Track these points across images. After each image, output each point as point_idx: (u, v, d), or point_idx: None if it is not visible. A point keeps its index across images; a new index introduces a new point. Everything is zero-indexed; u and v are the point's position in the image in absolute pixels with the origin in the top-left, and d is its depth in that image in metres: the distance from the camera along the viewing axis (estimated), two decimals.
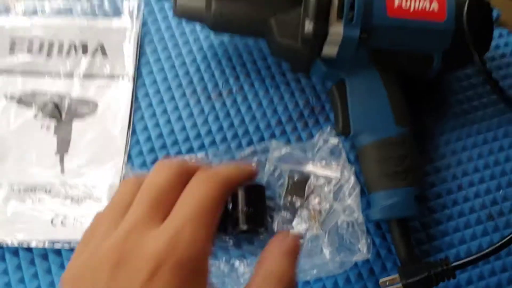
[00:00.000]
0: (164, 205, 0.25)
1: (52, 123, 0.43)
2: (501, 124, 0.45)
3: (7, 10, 0.46)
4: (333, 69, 0.41)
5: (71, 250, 0.39)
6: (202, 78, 0.45)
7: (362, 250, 0.38)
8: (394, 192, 0.39)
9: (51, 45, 0.45)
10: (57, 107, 0.43)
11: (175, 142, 0.43)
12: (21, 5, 0.46)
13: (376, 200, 0.40)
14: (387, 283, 0.38)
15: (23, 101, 0.43)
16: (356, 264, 0.40)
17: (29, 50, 0.44)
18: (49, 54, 0.44)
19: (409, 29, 0.39)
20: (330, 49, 0.39)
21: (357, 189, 0.40)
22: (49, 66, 0.44)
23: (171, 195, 0.26)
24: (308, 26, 0.38)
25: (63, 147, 0.42)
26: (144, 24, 0.47)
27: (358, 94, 0.41)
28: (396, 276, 0.38)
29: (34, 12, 0.46)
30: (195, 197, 0.25)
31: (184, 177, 0.27)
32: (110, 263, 0.23)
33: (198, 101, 0.44)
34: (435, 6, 0.39)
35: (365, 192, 0.41)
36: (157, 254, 0.23)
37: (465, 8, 0.39)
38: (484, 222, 0.42)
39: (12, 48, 0.44)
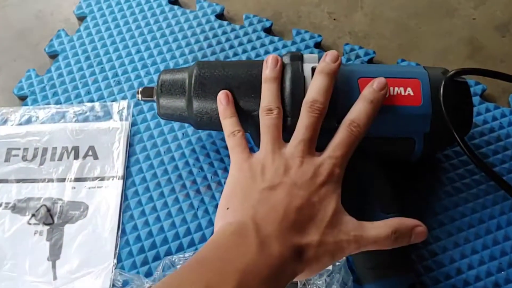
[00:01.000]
0: None
1: (45, 228, 0.45)
2: (496, 201, 0.45)
3: (4, 121, 0.50)
4: None
5: None
6: (191, 172, 0.47)
7: None
8: (385, 283, 0.39)
9: (44, 151, 0.48)
10: (49, 212, 0.45)
11: (165, 241, 0.44)
12: (18, 115, 0.50)
13: None
14: None
15: (17, 207, 0.45)
16: None
17: (24, 158, 0.48)
18: (42, 160, 0.47)
19: (385, 116, 0.41)
20: None
21: (350, 281, 0.40)
22: (43, 172, 0.47)
23: None
24: (289, 121, 0.40)
25: (55, 252, 0.44)
26: (133, 123, 0.50)
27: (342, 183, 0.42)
28: None
29: (29, 121, 0.49)
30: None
31: None
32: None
33: (188, 196, 0.46)
34: (410, 90, 0.42)
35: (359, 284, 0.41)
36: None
37: (441, 91, 0.41)
38: None
39: (7, 157, 0.48)
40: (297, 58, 0.42)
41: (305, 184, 0.35)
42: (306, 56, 0.42)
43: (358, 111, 0.39)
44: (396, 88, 0.42)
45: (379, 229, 0.35)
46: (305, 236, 0.33)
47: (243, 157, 0.38)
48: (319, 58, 0.41)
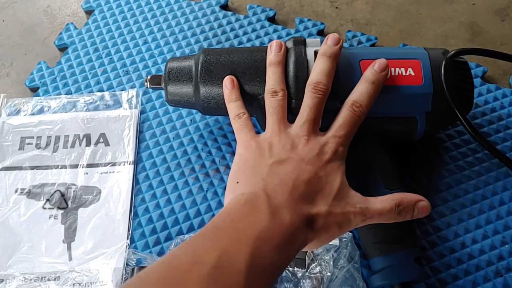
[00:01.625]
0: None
1: (60, 212, 0.47)
2: (499, 178, 0.47)
3: (17, 111, 0.52)
4: None
5: None
6: (199, 156, 0.49)
7: None
8: (391, 257, 0.40)
9: (57, 139, 0.50)
10: (63, 197, 0.48)
11: (176, 222, 0.46)
12: (30, 105, 0.52)
13: (375, 266, 0.41)
14: None
15: (32, 193, 0.48)
16: None
17: (37, 146, 0.50)
18: (55, 147, 0.50)
19: (387, 96, 0.43)
20: None
21: (356, 256, 0.42)
22: (56, 159, 0.49)
23: None
24: (293, 103, 0.42)
25: (70, 235, 0.46)
26: (142, 111, 0.52)
27: (346, 161, 0.44)
28: None
29: (41, 111, 0.52)
30: None
31: None
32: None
33: (197, 179, 0.48)
34: (411, 71, 0.44)
35: (366, 259, 0.43)
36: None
37: (442, 71, 0.43)
38: (492, 279, 0.43)
39: (21, 145, 0.50)
40: (300, 42, 0.44)
41: (312, 160, 0.37)
42: (309, 40, 0.45)
43: (360, 91, 0.41)
44: (397, 69, 0.44)
45: (383, 202, 0.37)
46: (314, 206, 0.35)
47: (250, 135, 0.40)
48: (321, 42, 0.44)
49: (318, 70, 0.41)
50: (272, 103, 0.41)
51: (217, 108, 0.46)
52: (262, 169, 0.37)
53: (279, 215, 0.34)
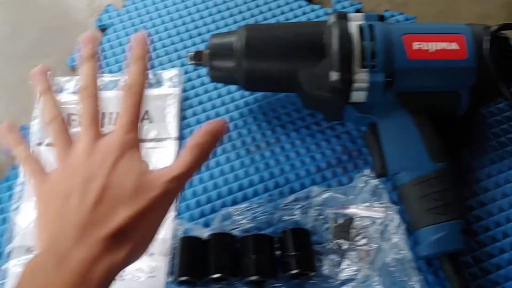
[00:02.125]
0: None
1: None
2: None
3: (60, 90, 0.53)
4: (364, 114, 0.45)
5: None
6: (240, 134, 0.50)
7: (414, 286, 0.40)
8: (438, 227, 0.41)
9: (102, 116, 0.51)
10: None
11: (220, 196, 0.47)
12: (72, 84, 0.54)
13: (422, 237, 0.42)
14: None
15: None
16: None
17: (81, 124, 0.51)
18: (101, 124, 0.51)
19: (431, 69, 0.44)
20: (358, 96, 0.44)
21: (403, 227, 0.43)
22: None
23: None
24: (334, 76, 0.43)
25: None
26: (184, 90, 0.53)
27: (391, 135, 0.45)
28: None
29: None
30: None
31: None
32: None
33: (238, 154, 0.49)
34: (455, 45, 0.44)
35: (411, 231, 0.44)
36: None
37: (485, 45, 0.44)
38: None
39: (68, 122, 0.51)
40: (343, 16, 0.45)
41: (96, 172, 0.34)
42: (351, 15, 0.46)
43: (131, 72, 0.39)
44: (441, 43, 0.44)
45: (181, 156, 0.36)
46: (111, 221, 0.32)
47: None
48: (363, 18, 0.45)
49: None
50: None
51: (260, 83, 0.47)
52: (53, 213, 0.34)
53: (66, 261, 0.31)
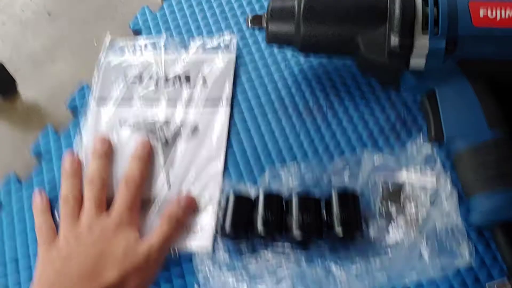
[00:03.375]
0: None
1: (160, 146, 0.52)
2: None
3: (122, 50, 0.57)
4: (422, 81, 0.46)
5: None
6: (293, 99, 0.52)
7: (464, 254, 0.41)
8: (493, 196, 0.41)
9: (159, 79, 0.55)
10: (163, 132, 0.52)
11: (269, 156, 0.49)
12: (133, 45, 0.58)
13: (476, 205, 0.42)
14: (495, 287, 0.39)
15: (135, 127, 0.53)
16: (459, 272, 0.42)
17: (140, 83, 0.55)
18: (157, 86, 0.54)
19: (496, 38, 0.44)
20: (417, 62, 0.44)
21: (454, 195, 0.43)
22: (157, 96, 0.54)
23: None
24: (394, 40, 0.44)
25: (169, 167, 0.50)
26: (239, 56, 0.56)
27: (449, 101, 0.45)
28: (505, 280, 0.40)
29: (144, 51, 0.57)
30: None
31: None
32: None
33: (290, 118, 0.51)
34: None
35: (463, 199, 0.44)
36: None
37: None
38: None
39: (126, 83, 0.55)
40: None
41: (95, 241, 0.45)
42: None
43: (131, 168, 0.49)
44: (508, 11, 0.44)
45: (157, 228, 0.46)
46: (103, 277, 0.42)
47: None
48: None
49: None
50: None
51: (317, 46, 0.48)
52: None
53: None
